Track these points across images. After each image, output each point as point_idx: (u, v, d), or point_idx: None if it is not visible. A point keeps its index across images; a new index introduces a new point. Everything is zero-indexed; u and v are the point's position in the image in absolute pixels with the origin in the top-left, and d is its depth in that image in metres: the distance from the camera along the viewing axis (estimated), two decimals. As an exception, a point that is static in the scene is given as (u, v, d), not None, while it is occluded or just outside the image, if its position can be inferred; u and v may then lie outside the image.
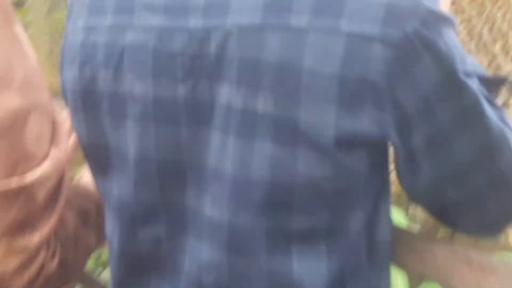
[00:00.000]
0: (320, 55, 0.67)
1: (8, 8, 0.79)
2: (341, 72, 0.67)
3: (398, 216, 1.98)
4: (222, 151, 0.73)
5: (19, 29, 0.81)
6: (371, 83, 0.67)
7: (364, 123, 0.68)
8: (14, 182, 0.77)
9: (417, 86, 0.68)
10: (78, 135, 0.85)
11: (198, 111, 0.74)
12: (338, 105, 0.68)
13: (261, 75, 0.69)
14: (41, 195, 0.81)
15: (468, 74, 0.70)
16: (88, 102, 0.81)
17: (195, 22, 0.73)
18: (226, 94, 0.72)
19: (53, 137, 0.83)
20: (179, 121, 0.75)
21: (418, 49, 0.67)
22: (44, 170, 0.80)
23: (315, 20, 0.68)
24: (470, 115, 0.71)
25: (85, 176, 1.06)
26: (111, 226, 0.87)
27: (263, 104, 0.70)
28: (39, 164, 0.80)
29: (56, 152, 0.82)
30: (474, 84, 0.71)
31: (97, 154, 0.83)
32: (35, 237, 0.82)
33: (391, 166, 0.78)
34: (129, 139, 0.78)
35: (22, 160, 0.78)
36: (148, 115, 0.76)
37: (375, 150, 0.72)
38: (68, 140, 0.94)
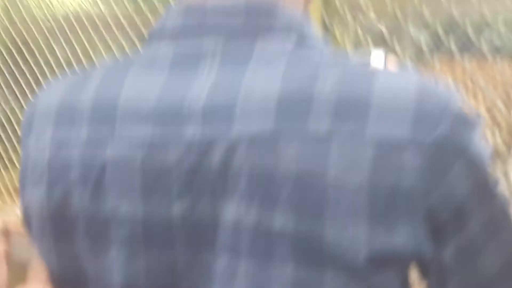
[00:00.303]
0: (346, 164, 0.60)
1: None
2: (371, 182, 0.60)
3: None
4: (230, 277, 0.63)
5: None
6: (404, 192, 0.60)
7: (399, 237, 0.61)
8: None
9: (450, 194, 0.63)
10: (47, 264, 0.72)
11: (198, 232, 0.64)
12: (370, 218, 0.60)
13: (276, 188, 0.61)
14: None
15: (497, 181, 0.66)
16: (59, 226, 0.69)
17: (193, 130, 0.64)
18: (234, 211, 0.63)
19: None
20: (174, 243, 0.65)
21: (450, 156, 0.62)
22: None
23: (338, 124, 0.60)
24: (499, 223, 0.67)
25: None
26: None
27: (281, 221, 0.61)
28: None
29: None
30: (501, 190, 0.67)
31: (72, 286, 0.71)
32: None
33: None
34: (114, 267, 0.67)
35: None
36: (137, 239, 0.66)
37: (407, 265, 0.64)
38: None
